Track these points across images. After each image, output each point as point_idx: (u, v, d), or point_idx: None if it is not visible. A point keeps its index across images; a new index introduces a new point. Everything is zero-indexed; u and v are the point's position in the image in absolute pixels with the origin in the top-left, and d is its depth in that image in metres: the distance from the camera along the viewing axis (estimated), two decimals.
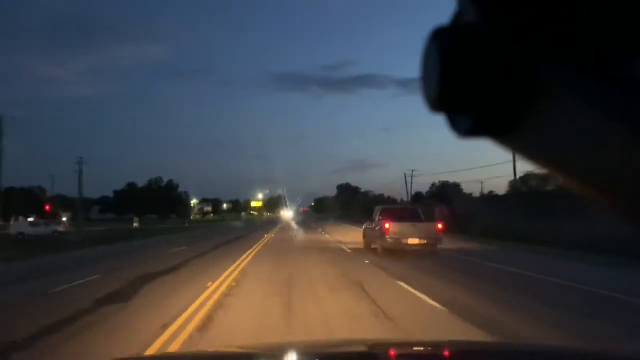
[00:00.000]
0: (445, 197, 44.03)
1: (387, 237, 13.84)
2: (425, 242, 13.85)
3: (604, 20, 0.37)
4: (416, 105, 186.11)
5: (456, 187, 59.95)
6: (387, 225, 13.95)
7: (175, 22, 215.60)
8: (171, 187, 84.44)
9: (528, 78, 0.40)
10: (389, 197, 67.87)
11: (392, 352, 1.98)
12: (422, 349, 2.17)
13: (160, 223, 62.34)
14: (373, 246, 15.43)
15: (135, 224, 50.52)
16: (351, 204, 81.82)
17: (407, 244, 13.74)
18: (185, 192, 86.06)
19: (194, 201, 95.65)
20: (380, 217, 14.99)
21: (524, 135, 0.43)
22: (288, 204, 78.84)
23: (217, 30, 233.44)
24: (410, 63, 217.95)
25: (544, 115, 0.41)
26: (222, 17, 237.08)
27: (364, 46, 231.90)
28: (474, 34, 0.42)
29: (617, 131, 0.36)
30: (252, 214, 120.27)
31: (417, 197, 57.42)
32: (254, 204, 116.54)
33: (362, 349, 2.11)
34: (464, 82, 0.43)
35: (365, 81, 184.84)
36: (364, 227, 18.30)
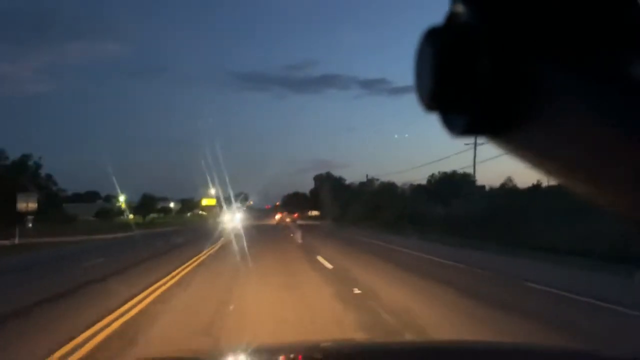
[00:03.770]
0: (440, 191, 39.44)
1: (279, 218, 56.88)
2: (290, 220, 54.18)
3: (601, 20, 0.37)
4: (380, 105, 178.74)
5: (466, 177, 44.11)
6: (278, 215, 60.56)
7: (133, 19, 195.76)
8: (23, 167, 40.78)
9: (524, 77, 0.40)
10: (410, 185, 50.92)
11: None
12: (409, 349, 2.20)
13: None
14: (276, 223, 53.18)
15: None
16: (335, 198, 61.66)
17: (286, 221, 53.04)
18: (49, 175, 44.60)
19: (121, 198, 71.73)
20: (279, 212, 65.23)
21: (519, 135, 0.42)
22: (238, 202, 55.26)
23: (177, 28, 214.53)
24: (374, 64, 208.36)
25: (539, 115, 0.40)
26: (181, 15, 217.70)
27: (327, 46, 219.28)
28: (468, 33, 0.42)
29: (615, 130, 0.35)
30: (202, 214, 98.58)
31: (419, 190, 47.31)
32: (205, 202, 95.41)
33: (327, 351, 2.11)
34: (459, 81, 0.42)
35: (329, 81, 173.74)
36: (275, 216, 60.37)
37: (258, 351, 2.06)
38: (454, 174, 47.20)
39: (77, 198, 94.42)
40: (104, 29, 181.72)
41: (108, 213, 71.42)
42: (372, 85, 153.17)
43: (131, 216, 70.45)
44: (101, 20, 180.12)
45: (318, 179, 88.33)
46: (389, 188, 52.80)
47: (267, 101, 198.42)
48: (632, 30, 0.36)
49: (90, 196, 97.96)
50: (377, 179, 58.92)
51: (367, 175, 57.05)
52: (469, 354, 1.96)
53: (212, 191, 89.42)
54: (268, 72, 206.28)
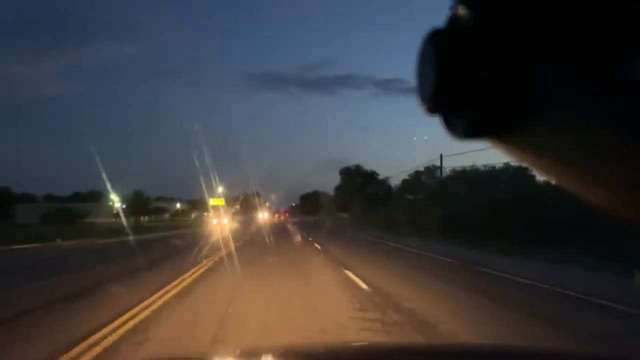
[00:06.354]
0: None
1: (277, 216, 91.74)
2: (282, 218, 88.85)
3: (600, 23, 0.37)
4: (395, 105, 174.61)
5: (521, 171, 36.93)
6: (277, 214, 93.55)
7: (150, 20, 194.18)
8: None
9: (524, 79, 0.40)
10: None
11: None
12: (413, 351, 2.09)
13: None
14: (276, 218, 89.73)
15: None
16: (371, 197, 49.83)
17: (282, 219, 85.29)
18: None
19: (114, 198, 63.53)
20: (276, 213, 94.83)
21: (519, 137, 0.42)
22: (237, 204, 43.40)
23: (192, 29, 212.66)
24: (389, 64, 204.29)
25: (540, 117, 0.40)
26: (197, 16, 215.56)
27: (342, 46, 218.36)
28: (469, 36, 0.42)
29: (615, 132, 0.35)
30: (206, 215, 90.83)
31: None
32: (212, 202, 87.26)
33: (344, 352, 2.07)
34: (460, 84, 0.42)
35: (344, 81, 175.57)
36: (275, 215, 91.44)
37: (257, 354, 2.09)
38: (507, 166, 38.44)
39: (78, 198, 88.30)
40: (121, 32, 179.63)
41: (66, 215, 60.91)
42: (387, 85, 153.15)
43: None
44: (119, 23, 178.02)
45: (345, 173, 70.15)
46: (473, 175, 34.58)
47: (282, 101, 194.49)
48: (632, 32, 0.35)
49: (93, 196, 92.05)
50: (437, 166, 38.70)
51: (441, 155, 35.41)
52: (470, 357, 1.90)
53: (220, 190, 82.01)
54: (283, 72, 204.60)
